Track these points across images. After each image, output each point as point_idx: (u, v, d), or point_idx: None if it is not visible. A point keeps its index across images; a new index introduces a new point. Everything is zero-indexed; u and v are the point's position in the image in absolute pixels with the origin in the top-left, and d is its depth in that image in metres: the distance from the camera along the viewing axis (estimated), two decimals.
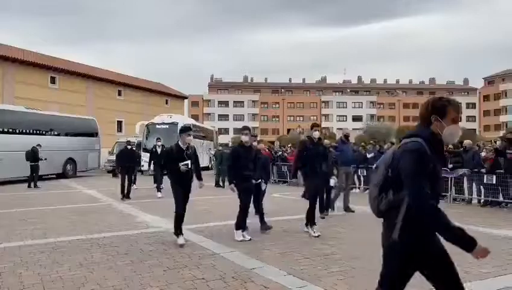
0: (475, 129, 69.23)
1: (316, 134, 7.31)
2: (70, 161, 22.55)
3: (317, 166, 7.16)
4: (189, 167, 6.40)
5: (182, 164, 6.33)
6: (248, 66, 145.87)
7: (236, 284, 4.43)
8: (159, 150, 13.73)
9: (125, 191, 12.45)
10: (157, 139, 14.83)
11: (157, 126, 25.30)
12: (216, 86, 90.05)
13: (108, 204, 11.54)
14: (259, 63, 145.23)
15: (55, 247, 6.21)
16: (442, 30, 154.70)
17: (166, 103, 48.39)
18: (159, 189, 13.19)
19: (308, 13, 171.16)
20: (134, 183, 14.85)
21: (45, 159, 17.67)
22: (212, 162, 22.39)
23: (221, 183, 16.84)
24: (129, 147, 13.29)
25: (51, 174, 21.20)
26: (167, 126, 24.73)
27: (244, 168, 6.77)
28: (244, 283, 4.46)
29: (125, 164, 12.83)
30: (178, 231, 6.41)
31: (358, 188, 14.98)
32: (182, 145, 6.49)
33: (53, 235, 7.10)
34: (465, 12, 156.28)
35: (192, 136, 6.66)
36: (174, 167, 6.37)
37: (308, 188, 7.18)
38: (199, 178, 6.93)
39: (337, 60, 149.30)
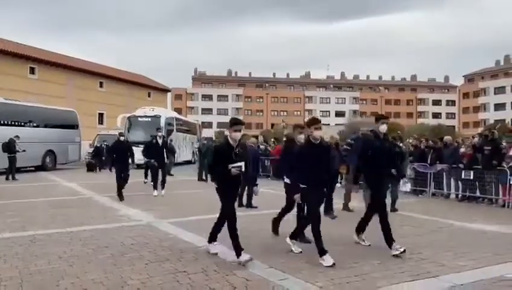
0: (454, 126, 70.61)
1: (384, 128, 5.84)
2: (50, 153, 22.15)
3: (386, 168, 5.96)
4: (242, 170, 5.16)
5: (233, 166, 5.08)
6: (232, 60, 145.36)
7: (218, 277, 4.44)
8: (160, 141, 12.18)
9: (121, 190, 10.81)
10: (157, 129, 13.75)
11: (139, 119, 25.04)
12: (200, 79, 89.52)
13: (89, 197, 11.40)
14: (244, 57, 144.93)
15: (33, 240, 6.12)
16: (425, 28, 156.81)
17: (149, 96, 47.86)
18: (155, 186, 11.77)
19: (293, 9, 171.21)
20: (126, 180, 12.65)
21: (24, 150, 17.31)
22: (196, 156, 22.35)
23: (204, 177, 16.80)
24: (122, 138, 11.94)
25: (29, 167, 20.79)
26: (149, 119, 24.51)
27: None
28: (226, 276, 4.48)
29: (120, 158, 11.19)
30: (213, 238, 5.50)
31: (340, 183, 15.11)
32: (231, 142, 5.26)
33: (32, 228, 6.99)
34: (447, 10, 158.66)
35: (241, 132, 5.36)
36: (224, 169, 5.09)
37: (375, 198, 5.82)
38: (252, 183, 6.26)
39: (321, 56, 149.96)
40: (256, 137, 19.57)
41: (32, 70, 33.79)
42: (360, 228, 6.01)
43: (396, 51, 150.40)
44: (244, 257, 4.90)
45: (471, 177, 10.95)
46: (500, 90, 70.18)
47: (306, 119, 5.78)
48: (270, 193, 9.83)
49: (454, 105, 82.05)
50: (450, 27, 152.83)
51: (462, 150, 13.06)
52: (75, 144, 24.25)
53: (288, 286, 4.21)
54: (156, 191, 11.58)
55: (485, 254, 5.49)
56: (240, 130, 5.27)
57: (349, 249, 5.74)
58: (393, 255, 5.27)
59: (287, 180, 6.21)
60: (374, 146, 5.72)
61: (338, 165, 8.90)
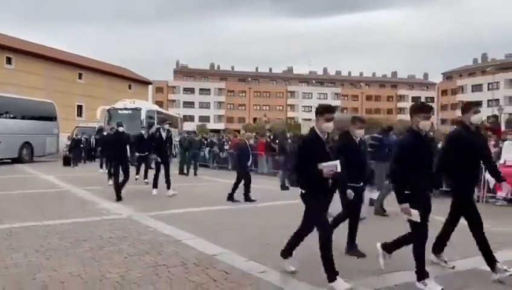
0: (433, 123, 71.94)
1: (478, 118, 4.59)
2: (27, 145, 21.67)
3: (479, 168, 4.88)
4: (338, 170, 4.06)
5: (325, 165, 4.02)
6: (215, 54, 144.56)
7: (198, 270, 4.45)
8: (164, 134, 10.73)
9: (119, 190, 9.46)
10: (163, 122, 12.70)
11: (119, 111, 24.66)
12: (182, 72, 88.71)
13: (67, 190, 11.22)
14: (226, 51, 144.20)
15: (10, 233, 6.00)
16: (406, 25, 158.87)
17: (130, 88, 47.21)
18: (155, 184, 10.50)
19: (276, 4, 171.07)
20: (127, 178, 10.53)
21: None
22: (177, 149, 22.20)
23: (185, 171, 16.72)
24: (121, 129, 10.15)
25: (5, 159, 20.31)
26: (130, 112, 24.18)
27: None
28: (206, 269, 4.49)
29: (119, 152, 9.73)
30: (288, 254, 4.55)
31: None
32: (321, 135, 4.17)
33: (8, 221, 6.85)
34: (428, 9, 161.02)
35: (332, 123, 4.19)
36: (313, 169, 4.01)
37: (466, 204, 4.62)
38: (344, 186, 4.90)
39: (304, 51, 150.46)
40: (238, 131, 19.57)
41: (8, 60, 32.94)
42: (439, 246, 4.81)
43: (378, 47, 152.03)
44: (342, 286, 3.90)
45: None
46: (477, 88, 71.71)
47: (412, 105, 4.44)
48: (256, 188, 9.85)
49: (433, 102, 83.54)
50: (430, 25, 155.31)
51: (439, 145, 13.31)
52: (52, 136, 23.79)
53: (268, 278, 4.25)
54: (155, 190, 10.41)
55: (459, 247, 5.62)
56: (332, 119, 4.16)
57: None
58: (496, 281, 4.22)
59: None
60: (467, 142, 4.49)
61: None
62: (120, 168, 9.65)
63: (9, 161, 20.66)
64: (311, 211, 4.24)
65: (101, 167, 15.96)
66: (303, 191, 4.21)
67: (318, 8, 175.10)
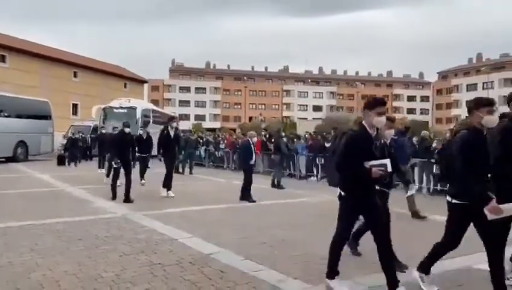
0: (428, 122, 72.25)
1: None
2: (22, 144, 21.54)
3: None
4: (389, 169, 3.70)
5: (375, 163, 3.66)
6: (211, 53, 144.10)
7: (193, 269, 4.46)
8: (171, 132, 10.21)
9: (117, 192, 9.25)
10: (171, 120, 12.29)
11: (115, 110, 24.60)
12: (177, 71, 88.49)
13: (63, 189, 11.18)
14: (222, 50, 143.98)
15: (4, 232, 5.98)
16: (402, 24, 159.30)
17: (125, 87, 47.01)
18: (168, 186, 10.03)
19: (273, 3, 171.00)
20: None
21: None
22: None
23: (180, 170, 16.70)
24: (127, 130, 9.65)
25: (0, 158, 20.20)
26: (125, 110, 24.11)
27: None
28: (201, 268, 4.50)
29: (120, 154, 9.38)
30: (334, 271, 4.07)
31: (316, 176, 15.30)
32: (370, 131, 3.78)
33: (2, 220, 6.81)
34: (424, 8, 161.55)
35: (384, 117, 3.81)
36: (361, 169, 3.67)
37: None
38: (406, 182, 4.66)
39: (300, 50, 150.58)
40: (234, 130, 19.53)
41: (2, 59, 32.72)
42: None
43: (374, 47, 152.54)
44: (339, 286, 3.91)
45: None
46: (472, 87, 72.07)
47: (473, 99, 3.88)
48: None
49: (428, 101, 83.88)
50: (426, 24, 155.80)
51: (434, 144, 13.40)
52: (47, 135, 23.65)
53: (263, 277, 4.26)
54: (165, 190, 9.93)
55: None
56: (384, 113, 3.79)
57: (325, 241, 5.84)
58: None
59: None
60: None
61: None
62: (121, 169, 9.38)
63: (4, 159, 20.54)
64: (343, 213, 3.94)
65: (100, 167, 15.37)
66: (342, 193, 3.89)
67: (314, 7, 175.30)
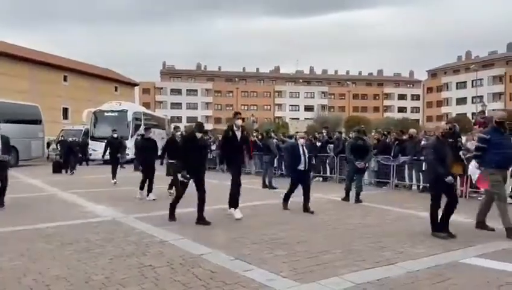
0: (419, 120, 72.79)
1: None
2: (12, 149, 21.33)
3: None
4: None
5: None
6: (202, 54, 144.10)
7: (184, 270, 4.49)
8: (238, 134, 8.12)
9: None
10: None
11: (106, 114, 24.53)
12: (168, 73, 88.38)
13: (54, 194, 11.15)
14: (213, 51, 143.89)
15: None
16: (391, 23, 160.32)
17: (116, 90, 46.85)
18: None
19: (263, 3, 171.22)
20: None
21: None
22: None
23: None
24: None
25: None
26: (116, 114, 24.07)
27: None
28: (192, 269, 4.53)
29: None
30: None
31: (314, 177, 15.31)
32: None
33: None
34: (413, 7, 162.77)
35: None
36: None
37: None
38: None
39: (290, 51, 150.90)
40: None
41: None
42: None
43: (364, 46, 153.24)
44: None
45: None
46: (461, 85, 72.78)
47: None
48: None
49: (419, 99, 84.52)
50: (415, 23, 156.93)
51: (423, 142, 13.51)
52: (38, 139, 23.54)
53: (253, 276, 4.30)
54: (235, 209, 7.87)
55: (442, 241, 5.76)
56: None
57: (314, 239, 5.90)
58: None
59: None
60: None
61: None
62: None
63: None
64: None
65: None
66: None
67: (304, 7, 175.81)
